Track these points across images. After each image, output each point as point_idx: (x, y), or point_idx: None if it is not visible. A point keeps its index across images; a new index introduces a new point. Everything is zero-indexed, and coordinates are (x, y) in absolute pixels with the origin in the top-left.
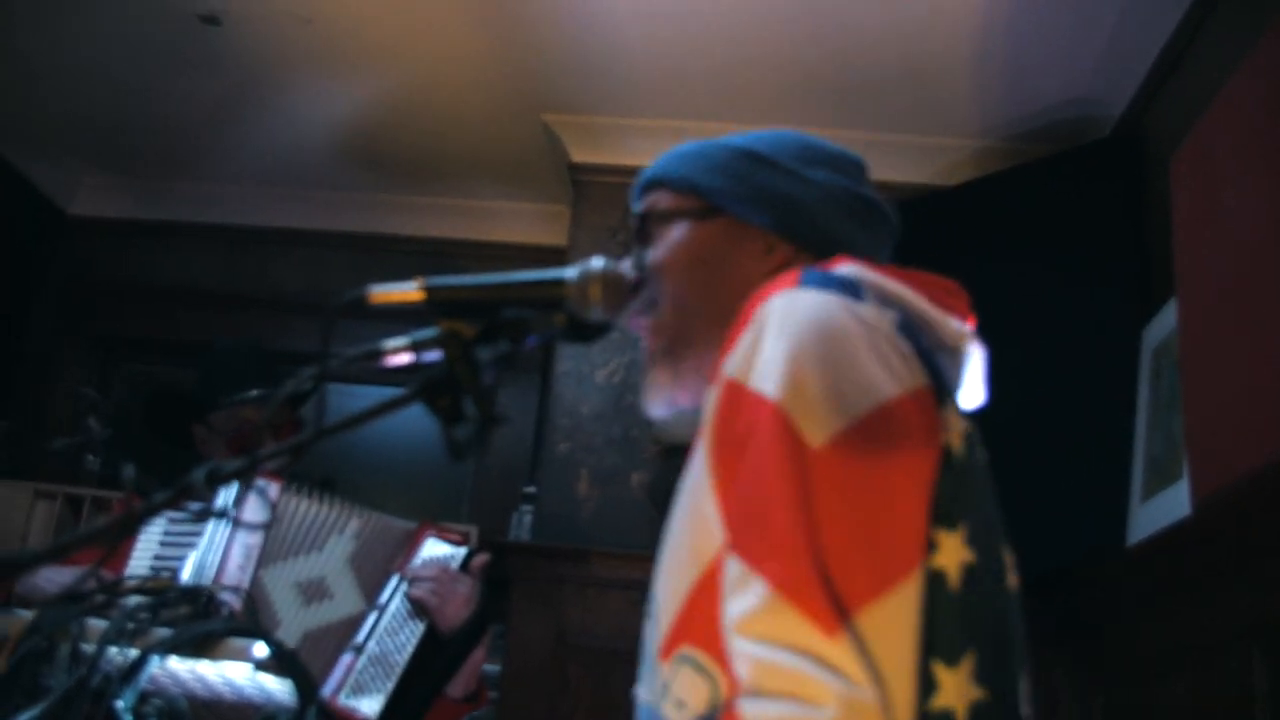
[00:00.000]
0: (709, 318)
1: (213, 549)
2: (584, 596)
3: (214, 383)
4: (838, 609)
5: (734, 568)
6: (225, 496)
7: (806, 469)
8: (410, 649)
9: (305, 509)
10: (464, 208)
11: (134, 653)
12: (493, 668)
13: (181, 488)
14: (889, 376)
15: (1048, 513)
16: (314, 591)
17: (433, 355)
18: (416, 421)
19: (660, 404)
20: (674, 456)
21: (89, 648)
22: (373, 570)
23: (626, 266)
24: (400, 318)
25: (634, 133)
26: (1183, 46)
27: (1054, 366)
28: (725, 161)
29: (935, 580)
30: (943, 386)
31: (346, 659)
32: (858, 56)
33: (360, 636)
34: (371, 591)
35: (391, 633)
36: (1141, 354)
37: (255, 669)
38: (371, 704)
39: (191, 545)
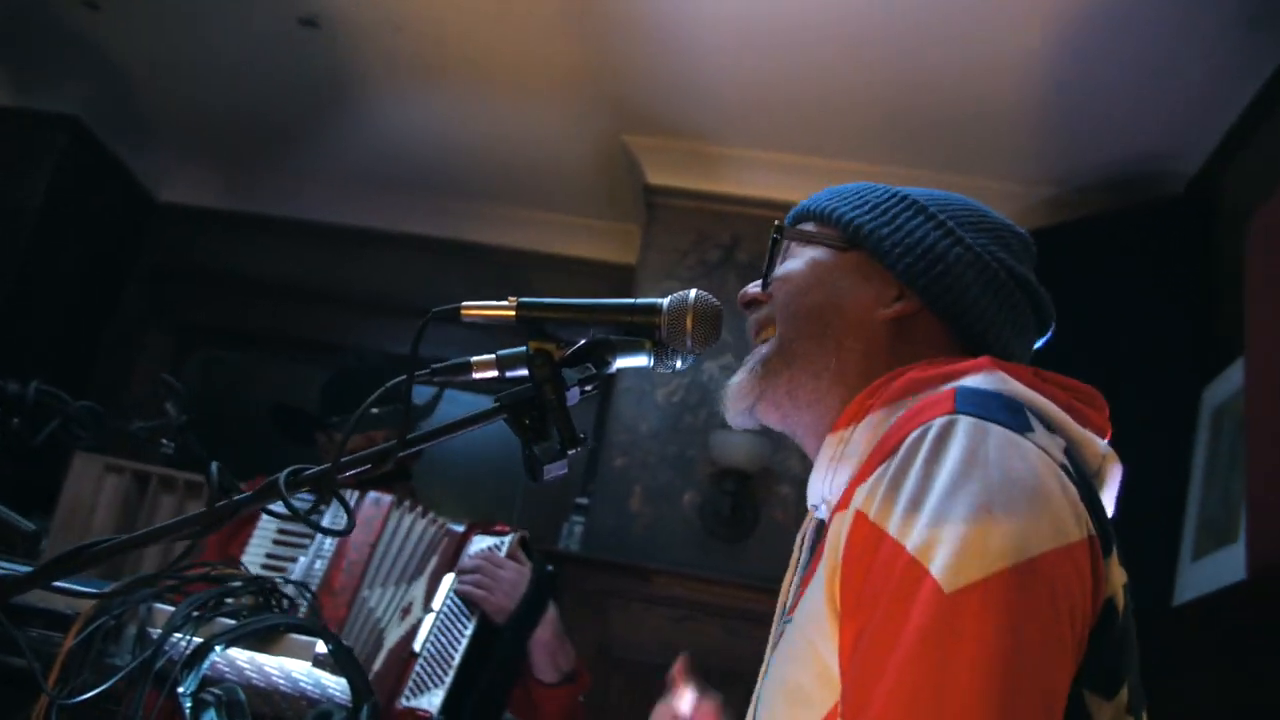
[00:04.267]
0: (813, 342)
1: (320, 559)
2: (629, 611)
3: (340, 399)
4: None
5: None
6: (336, 508)
7: (939, 621)
8: (465, 641)
9: (415, 527)
10: (538, 220)
11: (198, 640)
12: None
13: (263, 490)
14: (1047, 527)
15: None
16: (405, 611)
17: (517, 372)
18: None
19: (741, 413)
20: (727, 479)
21: (156, 631)
22: (437, 579)
23: (754, 284)
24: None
25: (712, 159)
26: (1263, 110)
27: (1112, 421)
28: (878, 201)
29: None
30: (1107, 534)
31: (409, 665)
32: (935, 98)
33: (416, 643)
34: (430, 598)
35: (445, 630)
36: (1200, 414)
37: (313, 665)
38: (433, 699)
39: (303, 547)
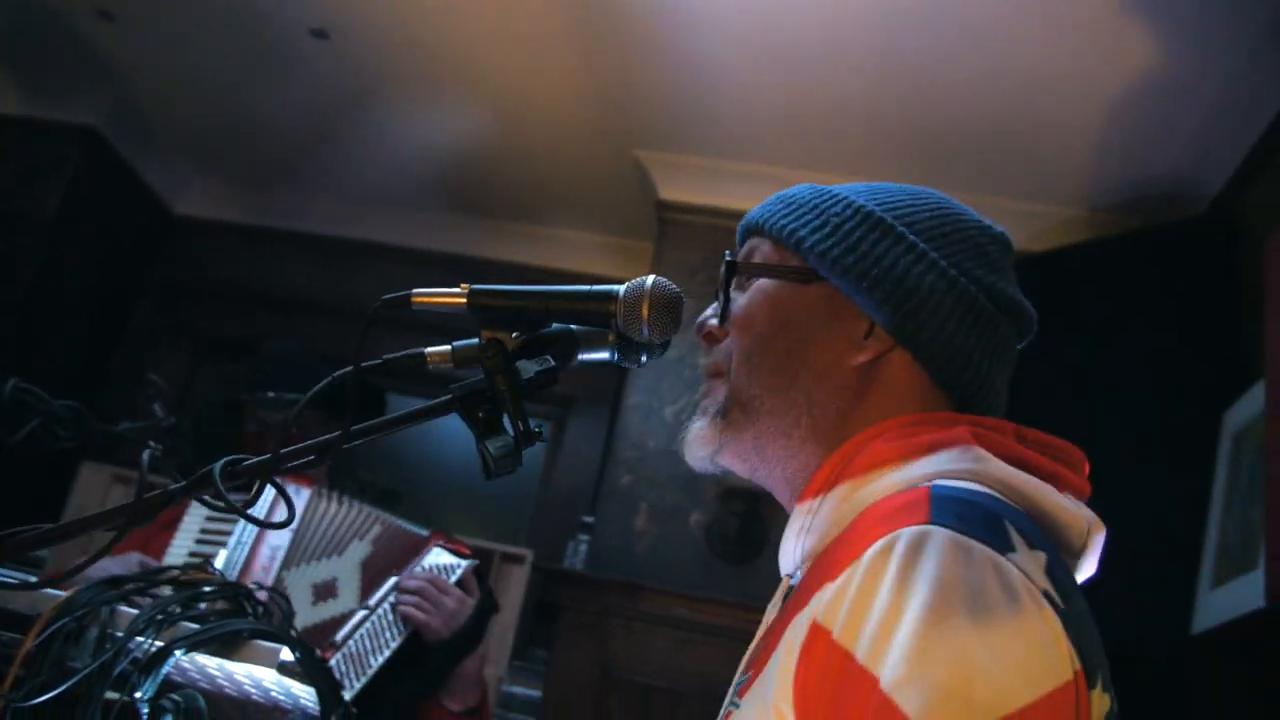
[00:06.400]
0: (780, 397)
1: (240, 546)
2: (630, 631)
3: (260, 381)
4: None
5: None
6: (265, 499)
7: None
8: (388, 651)
9: (334, 513)
10: (550, 236)
11: (160, 644)
12: (534, 693)
13: (196, 480)
14: (1035, 671)
15: (1110, 593)
16: (324, 592)
17: (476, 366)
18: None
19: (701, 458)
20: (734, 499)
21: (120, 634)
22: (378, 574)
23: (711, 313)
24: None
25: (724, 175)
26: None
27: (1131, 443)
28: (840, 221)
29: None
30: (1091, 661)
31: (325, 655)
32: (952, 117)
33: (340, 634)
34: (368, 593)
35: (373, 634)
36: (1221, 437)
37: (279, 672)
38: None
39: (225, 544)
